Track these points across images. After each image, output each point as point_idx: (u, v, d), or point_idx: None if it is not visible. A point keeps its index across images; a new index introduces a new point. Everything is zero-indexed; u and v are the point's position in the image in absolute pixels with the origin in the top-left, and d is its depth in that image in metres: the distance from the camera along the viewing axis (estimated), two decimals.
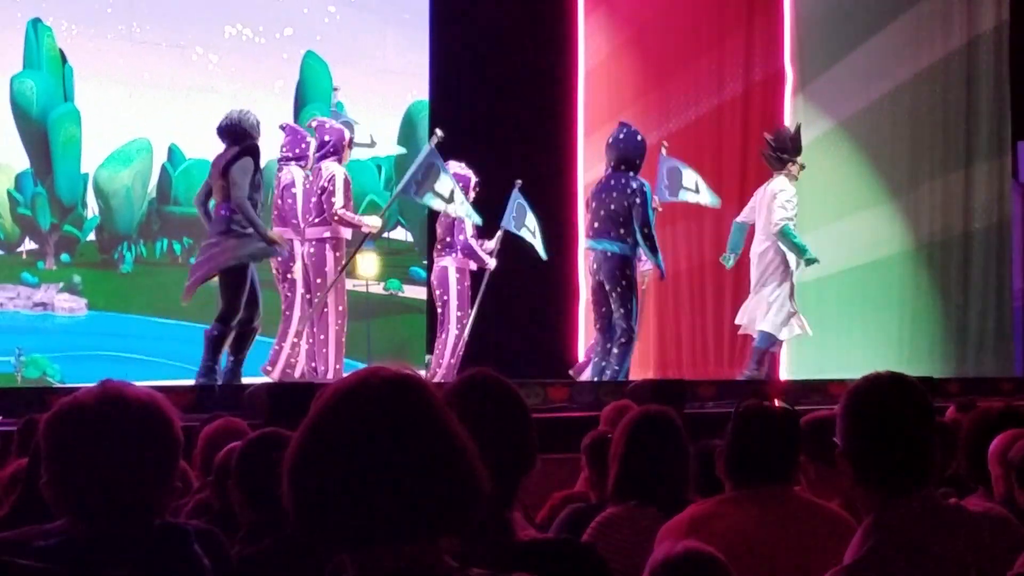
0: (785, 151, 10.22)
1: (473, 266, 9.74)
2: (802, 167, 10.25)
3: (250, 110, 8.17)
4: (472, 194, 9.61)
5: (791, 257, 10.05)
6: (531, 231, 9.94)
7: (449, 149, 10.81)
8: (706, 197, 10.20)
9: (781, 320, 9.99)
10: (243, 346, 8.03)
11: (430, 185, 8.97)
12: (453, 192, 9.06)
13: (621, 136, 9.44)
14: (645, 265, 9.81)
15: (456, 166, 9.62)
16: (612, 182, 9.30)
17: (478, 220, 9.39)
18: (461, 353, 9.53)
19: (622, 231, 9.12)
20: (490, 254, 9.72)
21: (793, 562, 3.01)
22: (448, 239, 9.61)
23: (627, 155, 9.32)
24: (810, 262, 10.11)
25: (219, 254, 7.89)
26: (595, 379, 9.13)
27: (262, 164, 8.14)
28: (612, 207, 9.17)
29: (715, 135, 13.00)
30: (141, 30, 10.95)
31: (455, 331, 9.55)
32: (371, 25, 12.10)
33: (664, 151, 10.19)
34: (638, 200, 9.07)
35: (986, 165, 13.22)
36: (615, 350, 9.17)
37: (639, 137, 9.46)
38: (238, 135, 7.95)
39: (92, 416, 2.11)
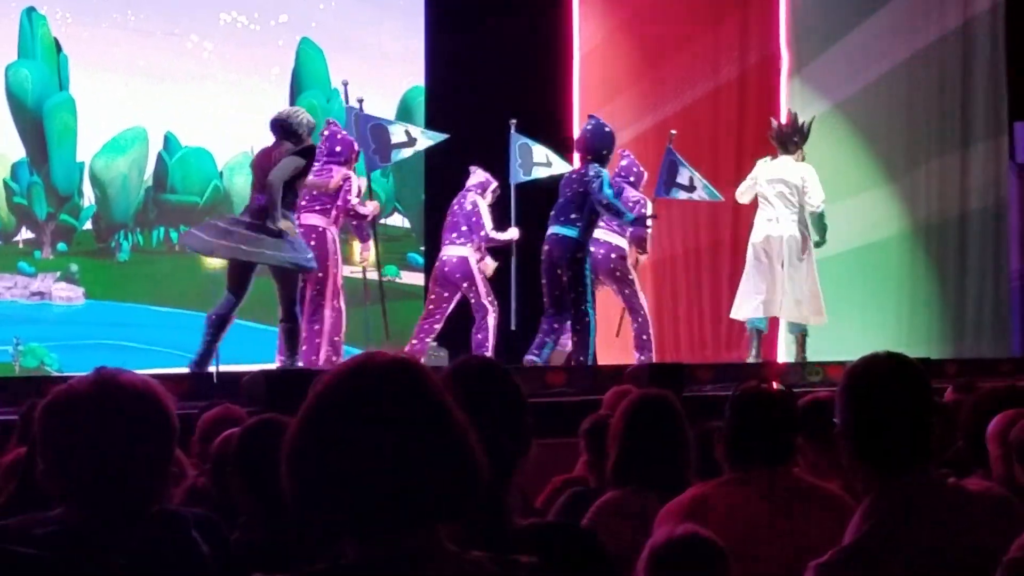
0: (798, 135, 10.30)
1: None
2: (803, 156, 10.33)
3: (301, 109, 8.09)
4: (491, 196, 9.79)
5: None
6: (544, 163, 9.99)
7: (445, 133, 10.80)
8: (702, 193, 10.28)
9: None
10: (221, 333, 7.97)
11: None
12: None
13: (589, 128, 9.51)
14: (632, 257, 9.87)
15: (481, 174, 9.85)
16: (573, 174, 9.43)
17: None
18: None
19: (574, 216, 9.15)
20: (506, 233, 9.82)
21: (793, 543, 3.01)
22: (465, 227, 9.62)
23: (593, 146, 9.36)
24: (819, 244, 10.33)
25: (251, 243, 7.70)
26: (537, 360, 9.08)
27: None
28: (568, 193, 9.25)
29: (711, 118, 12.98)
30: (136, 18, 10.93)
31: (493, 312, 9.61)
32: (367, 11, 12.08)
33: (671, 143, 10.24)
34: (594, 185, 9.09)
35: (983, 146, 13.20)
36: (575, 338, 9.24)
37: (607, 129, 9.48)
38: (287, 132, 7.90)
39: (87, 403, 2.10)
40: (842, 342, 10.18)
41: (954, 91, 13.17)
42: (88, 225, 10.78)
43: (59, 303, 10.51)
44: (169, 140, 11.06)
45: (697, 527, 2.69)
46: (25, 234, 10.52)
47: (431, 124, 12.05)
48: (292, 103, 11.39)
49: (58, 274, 10.57)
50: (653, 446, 3.67)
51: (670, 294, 12.81)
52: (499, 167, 10.10)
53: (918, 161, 13.13)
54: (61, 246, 10.60)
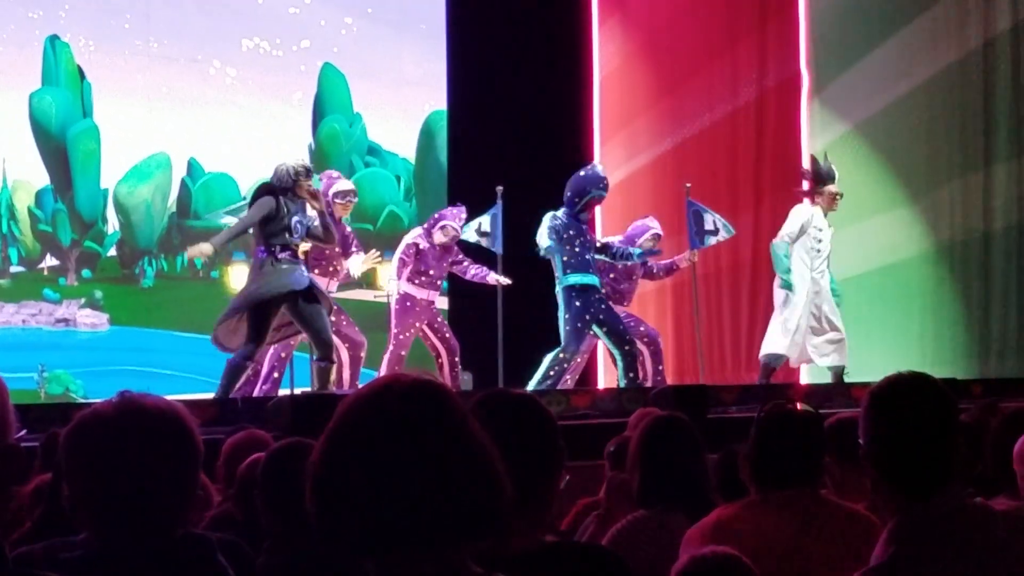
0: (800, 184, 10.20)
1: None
2: (833, 195, 10.04)
3: (285, 161, 8.05)
4: (439, 234, 9.53)
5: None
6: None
7: (466, 158, 10.77)
8: (724, 233, 10.28)
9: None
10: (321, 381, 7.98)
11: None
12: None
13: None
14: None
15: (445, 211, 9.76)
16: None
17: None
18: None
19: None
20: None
21: (819, 564, 3.00)
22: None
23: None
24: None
25: (239, 297, 7.98)
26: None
27: None
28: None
29: (730, 140, 12.98)
30: (159, 45, 11.01)
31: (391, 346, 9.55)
32: (388, 36, 12.13)
33: (688, 195, 10.21)
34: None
35: (1005, 166, 13.14)
36: None
37: (580, 173, 9.27)
38: (282, 191, 7.99)
39: (111, 427, 2.11)
40: (866, 363, 10.13)
41: (976, 111, 13.11)
42: (112, 251, 10.84)
43: (84, 330, 10.56)
44: (192, 166, 11.12)
45: (724, 547, 2.68)
46: (50, 261, 10.58)
47: (453, 148, 12.10)
48: (315, 128, 11.47)
49: (83, 301, 10.62)
50: (670, 468, 3.67)
51: (689, 317, 12.78)
52: (517, 190, 10.07)
53: (940, 181, 13.07)
54: (85, 273, 10.66)
